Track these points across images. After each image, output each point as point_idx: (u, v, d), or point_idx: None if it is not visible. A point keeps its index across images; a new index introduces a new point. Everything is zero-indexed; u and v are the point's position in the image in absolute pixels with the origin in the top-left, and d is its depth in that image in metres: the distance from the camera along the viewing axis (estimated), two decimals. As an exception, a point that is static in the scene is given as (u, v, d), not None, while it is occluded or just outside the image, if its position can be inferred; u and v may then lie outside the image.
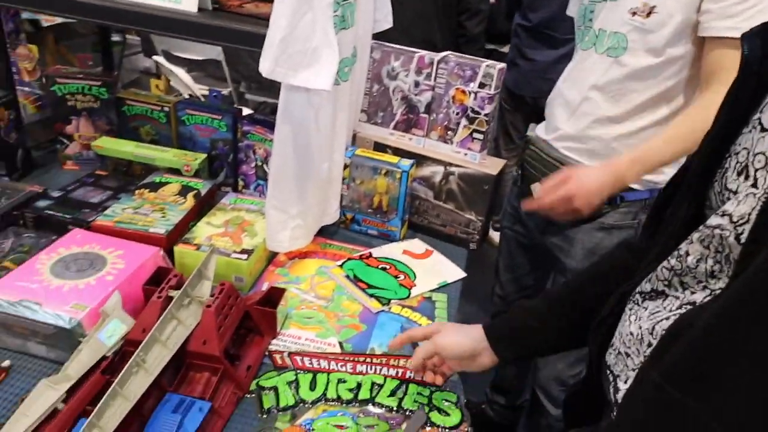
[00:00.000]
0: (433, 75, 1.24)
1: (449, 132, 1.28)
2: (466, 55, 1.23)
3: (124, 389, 0.74)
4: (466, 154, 1.28)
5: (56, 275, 0.96)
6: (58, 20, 2.03)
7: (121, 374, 0.74)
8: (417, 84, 1.27)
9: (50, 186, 1.25)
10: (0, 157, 1.32)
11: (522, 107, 2.45)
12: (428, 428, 0.86)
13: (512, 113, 2.54)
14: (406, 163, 1.25)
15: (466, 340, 0.83)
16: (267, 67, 0.92)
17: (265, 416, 0.86)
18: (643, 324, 0.56)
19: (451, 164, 1.27)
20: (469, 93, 1.22)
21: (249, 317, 0.98)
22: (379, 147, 1.34)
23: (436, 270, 1.24)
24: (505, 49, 2.61)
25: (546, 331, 0.81)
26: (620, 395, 0.58)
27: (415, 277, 1.19)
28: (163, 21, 1.12)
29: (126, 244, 1.05)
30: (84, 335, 0.88)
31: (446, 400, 0.90)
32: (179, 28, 1.14)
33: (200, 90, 2.67)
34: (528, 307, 0.83)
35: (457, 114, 1.25)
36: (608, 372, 0.61)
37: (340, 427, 0.83)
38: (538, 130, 1.33)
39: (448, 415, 0.88)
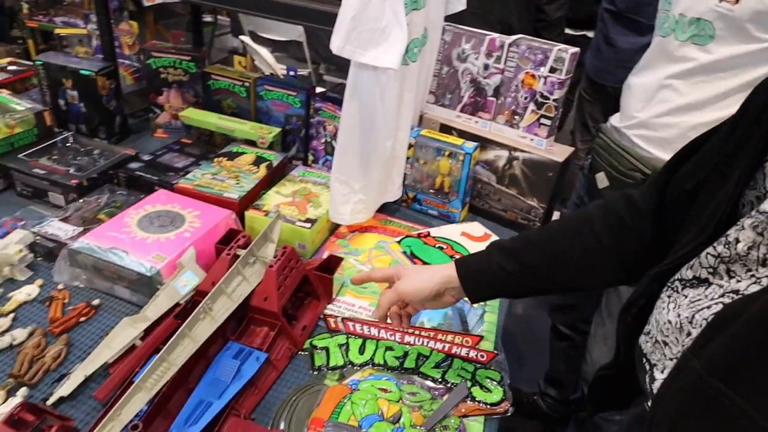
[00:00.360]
0: (503, 58, 1.23)
1: (516, 117, 1.27)
2: (538, 39, 1.21)
3: (192, 332, 0.82)
4: (532, 140, 1.27)
5: (142, 229, 1.07)
6: (158, 0, 2.20)
7: (190, 318, 0.82)
8: (486, 67, 1.26)
9: (142, 150, 1.38)
10: (101, 122, 1.46)
11: (602, 98, 2.35)
12: (469, 402, 0.88)
13: (591, 104, 2.45)
14: (470, 145, 1.26)
15: (428, 284, 0.82)
16: (337, 44, 0.96)
17: (315, 373, 0.92)
18: (682, 312, 0.55)
19: (515, 149, 1.27)
20: (539, 77, 1.20)
21: (308, 282, 1.04)
22: (445, 129, 1.36)
23: (493, 253, 1.24)
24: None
25: (523, 274, 0.78)
26: (656, 385, 0.57)
27: (470, 258, 1.21)
28: (249, 0, 1.20)
29: (203, 206, 1.15)
30: (162, 283, 0.97)
31: (489, 378, 0.92)
32: (264, 6, 1.21)
33: (281, 70, 2.78)
34: (505, 248, 0.80)
35: (526, 98, 1.24)
36: (644, 360, 0.60)
37: (384, 390, 0.87)
38: (612, 119, 1.30)
39: (489, 391, 0.90)
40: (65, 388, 0.82)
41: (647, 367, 0.59)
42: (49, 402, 0.81)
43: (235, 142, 1.41)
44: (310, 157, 1.46)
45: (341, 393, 0.86)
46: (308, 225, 1.15)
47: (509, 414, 0.88)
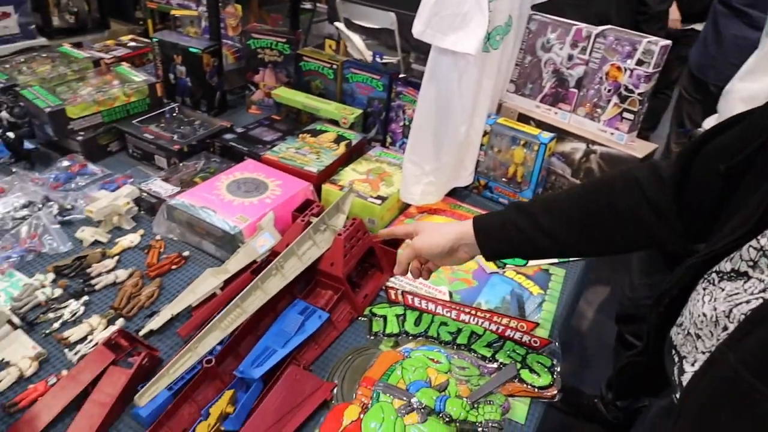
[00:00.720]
0: (589, 49, 1.21)
1: (598, 109, 1.24)
2: (627, 30, 1.17)
3: (264, 285, 0.90)
4: (612, 134, 1.23)
5: (230, 192, 1.18)
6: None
7: (263, 273, 0.91)
8: (570, 57, 1.25)
9: (236, 123, 1.50)
10: (203, 96, 1.61)
11: (703, 97, 2.20)
12: (517, 383, 0.90)
13: (691, 104, 2.30)
14: (546, 135, 1.25)
15: (442, 240, 0.83)
16: (418, 28, 1.00)
17: (372, 338, 0.98)
18: (718, 306, 0.54)
19: (594, 142, 1.24)
20: (625, 70, 1.17)
21: (374, 254, 1.10)
22: (523, 119, 1.35)
23: (561, 246, 1.23)
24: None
25: (536, 234, 0.77)
26: (686, 377, 0.56)
27: (536, 248, 1.21)
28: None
29: (285, 176, 1.24)
30: (243, 241, 1.07)
31: (540, 363, 0.93)
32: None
33: (371, 56, 2.85)
34: (523, 207, 0.80)
35: (609, 91, 1.21)
36: (674, 352, 0.59)
37: (435, 360, 0.91)
38: (707, 125, 1.23)
39: (538, 375, 0.91)
40: (154, 323, 0.94)
41: (676, 359, 0.59)
42: (141, 333, 0.93)
43: (319, 120, 1.50)
44: (388, 139, 1.51)
45: (394, 358, 0.91)
46: (379, 202, 1.20)
47: (556, 400, 0.89)
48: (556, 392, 0.89)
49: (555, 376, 0.91)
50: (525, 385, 0.89)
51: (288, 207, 1.14)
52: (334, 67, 1.54)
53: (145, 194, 1.21)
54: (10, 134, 1.28)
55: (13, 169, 1.30)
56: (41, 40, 2.30)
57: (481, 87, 1.19)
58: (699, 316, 0.56)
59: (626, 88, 1.18)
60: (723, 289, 0.55)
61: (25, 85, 1.39)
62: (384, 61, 1.72)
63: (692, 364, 0.56)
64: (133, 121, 1.44)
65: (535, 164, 1.27)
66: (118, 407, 0.81)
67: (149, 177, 1.28)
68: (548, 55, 1.28)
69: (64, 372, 0.86)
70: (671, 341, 0.61)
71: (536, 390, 0.89)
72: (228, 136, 1.43)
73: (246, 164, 1.29)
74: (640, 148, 1.21)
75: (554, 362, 0.94)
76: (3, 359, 0.87)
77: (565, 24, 1.24)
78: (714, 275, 0.57)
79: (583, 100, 1.26)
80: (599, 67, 1.21)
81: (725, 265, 0.56)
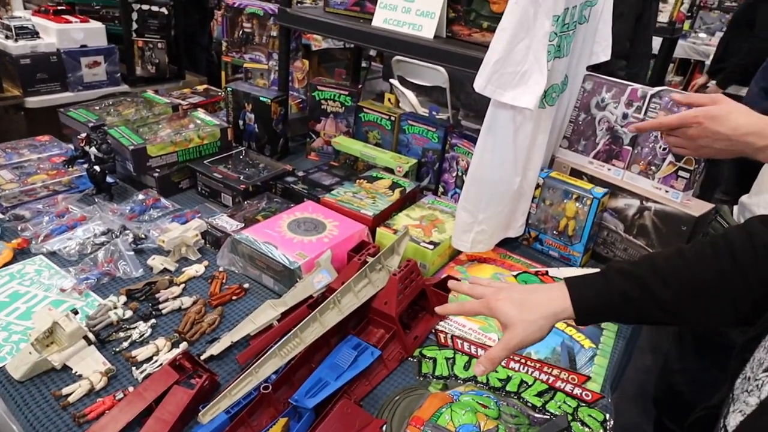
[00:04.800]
0: (644, 108, 1.24)
1: (652, 167, 1.26)
2: (683, 91, 1.20)
3: (321, 317, 0.94)
4: (667, 192, 1.24)
5: (290, 230, 1.24)
6: (324, 46, 2.55)
7: (321, 306, 0.94)
8: (625, 116, 1.28)
9: (297, 167, 1.59)
10: (268, 141, 1.72)
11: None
12: (568, 436, 0.88)
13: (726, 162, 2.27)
14: (600, 191, 1.27)
15: (543, 333, 0.75)
16: (480, 83, 1.06)
17: (421, 379, 0.99)
18: None
19: (648, 199, 1.25)
20: (681, 130, 1.19)
21: (425, 297, 1.12)
22: (576, 174, 1.38)
23: (613, 302, 1.22)
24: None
25: (647, 303, 0.69)
26: (730, 419, 0.56)
27: (588, 302, 1.20)
28: (405, 44, 1.37)
29: (342, 218, 1.30)
30: (301, 277, 1.12)
31: (591, 417, 0.92)
32: (417, 50, 1.37)
33: (423, 112, 2.96)
34: (627, 272, 0.72)
35: (664, 149, 1.22)
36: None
37: (484, 405, 0.91)
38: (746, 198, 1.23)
39: (591, 430, 0.89)
40: (215, 349, 0.99)
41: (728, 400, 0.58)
42: (202, 357, 0.97)
43: (375, 168, 1.57)
44: (441, 189, 1.56)
45: (443, 400, 0.91)
46: (431, 247, 1.24)
47: (609, 457, 0.87)
48: (608, 448, 0.87)
49: (608, 432, 0.89)
50: (576, 439, 0.88)
51: (344, 247, 1.19)
52: (392, 118, 1.63)
53: (211, 228, 1.29)
54: (97, 168, 1.40)
55: (95, 200, 1.41)
56: (124, 87, 2.52)
57: (535, 141, 1.23)
58: (757, 360, 0.56)
59: (682, 148, 1.20)
60: None
61: (112, 125, 1.53)
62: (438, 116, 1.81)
63: (734, 404, 0.56)
64: (205, 162, 1.55)
65: (587, 219, 1.28)
66: (178, 426, 0.84)
67: (215, 213, 1.37)
68: (602, 113, 1.32)
69: (131, 388, 0.91)
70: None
71: (588, 444, 0.87)
72: (289, 179, 1.51)
73: (306, 205, 1.36)
74: (696, 207, 1.21)
75: (607, 417, 0.92)
76: (76, 372, 0.93)
77: (620, 84, 1.28)
78: None
79: (638, 157, 1.28)
80: (654, 127, 1.23)
81: None
